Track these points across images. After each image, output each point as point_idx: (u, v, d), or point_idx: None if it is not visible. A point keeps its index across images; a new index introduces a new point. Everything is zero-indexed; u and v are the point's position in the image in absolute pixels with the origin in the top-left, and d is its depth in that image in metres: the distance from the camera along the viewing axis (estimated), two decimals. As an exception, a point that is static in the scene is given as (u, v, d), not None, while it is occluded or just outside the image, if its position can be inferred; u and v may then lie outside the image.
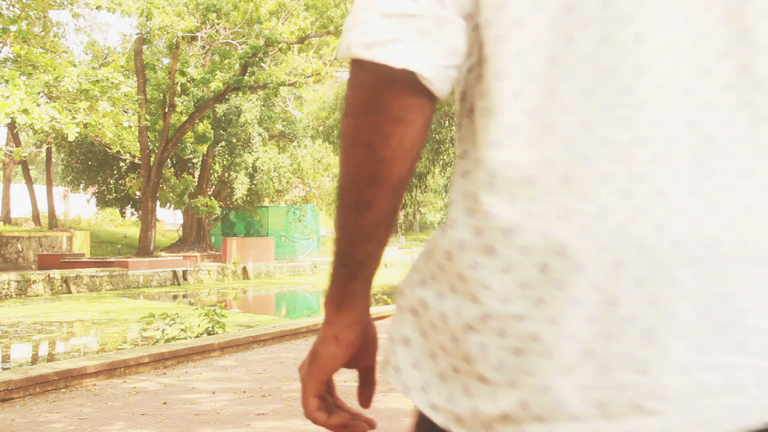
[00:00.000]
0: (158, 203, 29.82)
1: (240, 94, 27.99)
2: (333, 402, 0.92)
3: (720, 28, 0.73)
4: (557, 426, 0.71)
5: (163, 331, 8.62)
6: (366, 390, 0.95)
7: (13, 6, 18.82)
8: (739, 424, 0.70)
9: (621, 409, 0.70)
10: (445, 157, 20.26)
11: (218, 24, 26.57)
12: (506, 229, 0.73)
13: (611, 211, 0.71)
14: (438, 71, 0.74)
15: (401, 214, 50.10)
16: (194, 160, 32.42)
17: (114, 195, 33.91)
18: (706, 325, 0.70)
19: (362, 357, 0.91)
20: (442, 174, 23.48)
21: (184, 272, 25.27)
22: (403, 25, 0.73)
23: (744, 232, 0.71)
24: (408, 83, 0.74)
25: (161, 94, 28.23)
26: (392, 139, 0.75)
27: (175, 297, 20.54)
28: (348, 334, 0.87)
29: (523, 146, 0.74)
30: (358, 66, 0.75)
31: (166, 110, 27.99)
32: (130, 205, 34.86)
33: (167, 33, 24.95)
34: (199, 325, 8.95)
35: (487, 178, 0.75)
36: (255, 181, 31.84)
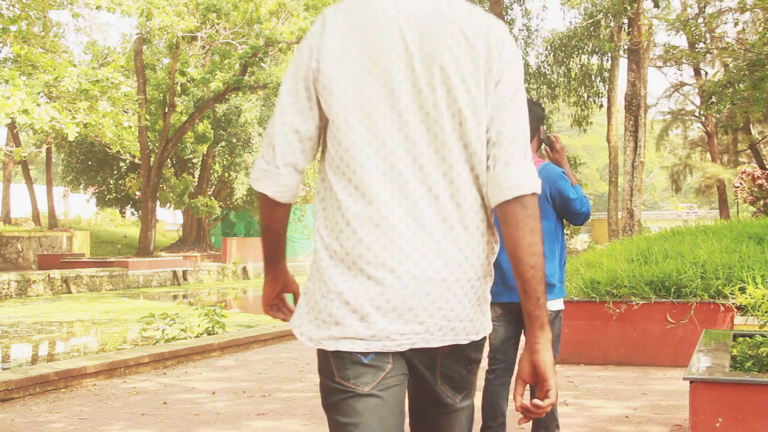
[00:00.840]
0: (158, 203, 29.80)
1: (240, 94, 27.97)
2: (285, 308, 1.98)
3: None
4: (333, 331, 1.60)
5: (163, 331, 8.62)
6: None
7: (13, 6, 18.82)
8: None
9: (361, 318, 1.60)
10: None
11: (218, 24, 26.56)
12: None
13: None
14: (275, 192, 1.71)
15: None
16: (194, 160, 32.42)
17: (114, 195, 33.90)
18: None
19: (287, 288, 1.98)
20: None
21: (184, 272, 25.27)
22: (261, 173, 1.72)
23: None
24: (264, 197, 1.74)
25: (161, 94, 28.22)
26: (264, 218, 1.82)
27: (175, 297, 20.54)
28: (267, 282, 1.95)
29: None
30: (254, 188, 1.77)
31: (166, 110, 27.98)
32: (130, 205, 34.85)
33: (167, 33, 24.94)
34: (199, 325, 8.95)
35: None
36: (255, 181, 31.82)
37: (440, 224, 1.58)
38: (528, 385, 1.65)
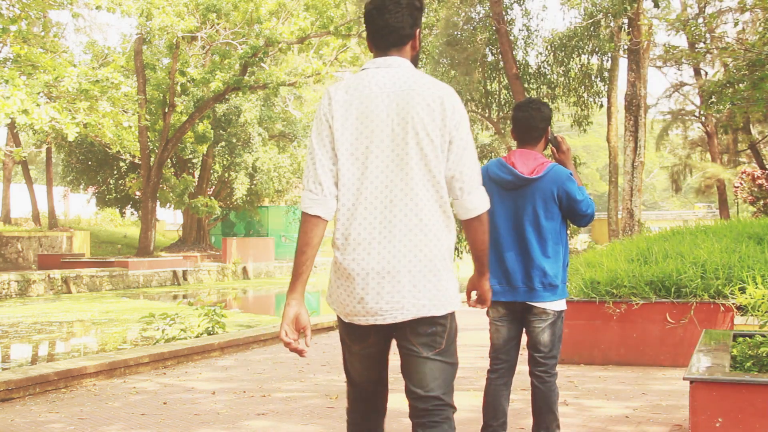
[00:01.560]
0: (158, 203, 29.80)
1: (240, 94, 27.96)
2: (295, 335, 2.41)
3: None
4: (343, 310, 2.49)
5: (163, 331, 8.62)
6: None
7: (13, 6, 18.82)
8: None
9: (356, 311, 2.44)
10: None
11: (218, 24, 26.55)
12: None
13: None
14: (325, 213, 2.42)
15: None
16: (194, 160, 32.40)
17: (114, 195, 33.89)
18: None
19: (302, 320, 2.43)
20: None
21: (184, 272, 25.27)
22: (312, 202, 2.43)
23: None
24: (317, 218, 2.43)
25: (161, 94, 28.21)
26: (308, 235, 2.46)
27: (175, 297, 20.54)
28: (292, 306, 2.43)
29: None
30: (303, 213, 2.44)
31: (166, 110, 27.97)
32: (130, 205, 34.83)
33: (167, 33, 24.93)
34: (199, 325, 8.95)
35: None
36: (255, 181, 31.83)
37: (404, 229, 2.41)
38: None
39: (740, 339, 4.39)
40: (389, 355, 2.62)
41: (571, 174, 3.62)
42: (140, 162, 28.44)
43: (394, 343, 2.54)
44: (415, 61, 2.59)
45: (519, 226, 3.58)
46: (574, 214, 3.63)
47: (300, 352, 2.41)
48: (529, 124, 3.68)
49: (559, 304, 3.61)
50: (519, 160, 3.62)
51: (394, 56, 2.52)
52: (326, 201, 2.43)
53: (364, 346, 2.53)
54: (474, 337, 8.79)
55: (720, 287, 6.33)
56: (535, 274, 3.53)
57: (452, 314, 2.47)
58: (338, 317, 2.55)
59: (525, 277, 3.55)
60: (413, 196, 2.39)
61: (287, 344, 2.41)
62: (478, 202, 2.47)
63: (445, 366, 2.46)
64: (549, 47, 18.69)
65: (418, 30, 2.55)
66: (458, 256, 22.34)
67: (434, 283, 2.39)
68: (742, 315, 6.12)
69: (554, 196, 3.57)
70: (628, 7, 15.76)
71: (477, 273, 2.74)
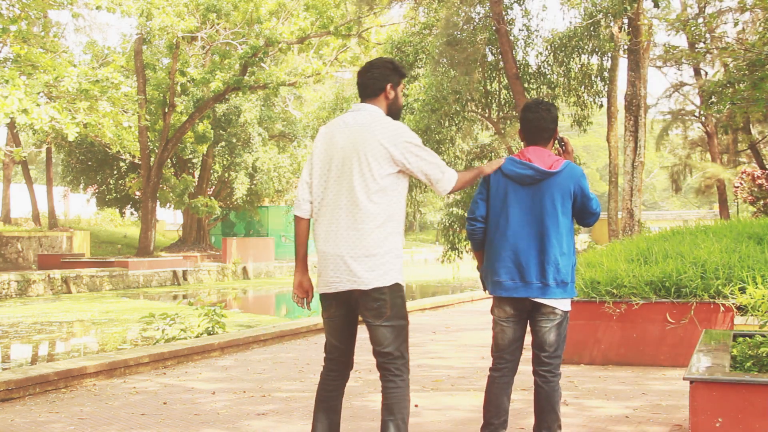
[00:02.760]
0: (158, 203, 29.79)
1: (240, 94, 27.95)
2: (303, 295, 3.54)
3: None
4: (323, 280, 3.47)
5: (163, 331, 8.63)
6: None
7: (13, 6, 18.82)
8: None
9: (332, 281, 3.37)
10: (445, 157, 20.21)
11: (218, 24, 26.54)
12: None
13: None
14: (301, 213, 3.50)
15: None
16: (194, 160, 32.39)
17: (114, 195, 33.88)
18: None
19: (306, 284, 3.55)
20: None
21: (184, 272, 25.27)
22: (294, 204, 3.54)
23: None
24: (297, 217, 3.52)
25: (161, 94, 28.20)
26: (298, 229, 3.53)
27: (175, 297, 20.54)
28: (297, 276, 3.54)
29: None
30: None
31: (166, 110, 27.96)
32: (130, 205, 34.83)
33: (167, 33, 24.92)
34: (199, 325, 8.95)
35: None
36: (255, 181, 31.82)
37: (344, 226, 3.34)
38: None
39: (740, 339, 4.39)
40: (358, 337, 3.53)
41: (583, 172, 3.68)
42: (140, 162, 28.44)
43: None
44: (392, 106, 3.51)
45: (536, 221, 3.60)
46: (585, 211, 3.67)
47: (308, 307, 3.56)
48: (540, 125, 3.71)
49: (567, 304, 3.63)
50: (534, 156, 3.66)
51: (366, 104, 3.48)
52: (301, 205, 3.46)
53: (330, 315, 3.43)
54: (474, 337, 8.79)
55: (720, 287, 6.33)
56: (549, 269, 3.55)
57: (393, 289, 3.30)
58: None
59: (540, 273, 3.57)
60: (353, 203, 3.31)
61: (299, 303, 3.48)
62: (446, 184, 3.41)
63: (393, 329, 3.32)
64: (549, 47, 18.66)
65: (389, 85, 3.47)
66: (458, 256, 22.35)
67: (364, 265, 3.26)
68: (742, 315, 6.12)
69: (570, 192, 3.62)
70: (628, 7, 15.75)
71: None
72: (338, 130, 3.41)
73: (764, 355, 3.85)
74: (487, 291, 3.76)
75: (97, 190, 34.14)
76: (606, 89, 18.57)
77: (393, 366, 3.32)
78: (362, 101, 3.52)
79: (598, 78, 18.72)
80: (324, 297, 3.42)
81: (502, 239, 3.62)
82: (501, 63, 18.07)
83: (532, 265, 3.56)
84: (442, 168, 3.40)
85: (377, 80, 3.47)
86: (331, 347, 3.50)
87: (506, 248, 3.59)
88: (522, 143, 3.84)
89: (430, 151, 3.43)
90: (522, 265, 3.56)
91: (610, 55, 17.97)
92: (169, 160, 30.00)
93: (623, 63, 19.45)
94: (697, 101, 29.87)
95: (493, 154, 21.08)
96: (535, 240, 3.59)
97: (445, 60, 18.25)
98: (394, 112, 3.51)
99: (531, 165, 3.61)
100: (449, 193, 3.50)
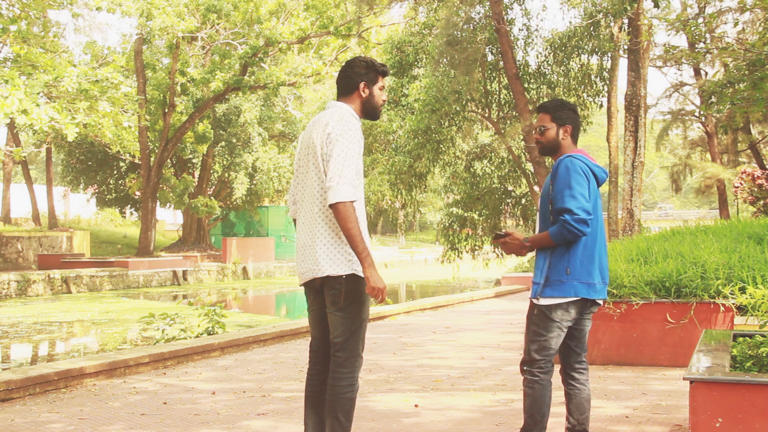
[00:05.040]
0: (158, 203, 29.79)
1: (240, 94, 27.95)
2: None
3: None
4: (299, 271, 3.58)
5: (163, 331, 8.63)
6: None
7: (13, 6, 18.81)
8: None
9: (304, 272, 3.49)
10: (445, 157, 20.22)
11: (218, 24, 26.55)
12: None
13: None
14: (291, 209, 3.70)
15: (401, 214, 50.26)
16: (194, 160, 32.39)
17: (114, 195, 33.89)
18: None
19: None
20: (442, 174, 23.42)
21: (184, 272, 25.27)
22: (289, 206, 3.75)
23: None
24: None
25: (161, 94, 28.20)
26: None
27: (175, 297, 20.53)
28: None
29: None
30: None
31: (166, 110, 27.96)
32: (130, 205, 34.83)
33: (167, 33, 24.92)
34: (199, 325, 8.95)
35: None
36: (255, 181, 31.82)
37: (304, 220, 3.50)
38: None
39: (740, 339, 4.40)
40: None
41: None
42: (140, 162, 28.44)
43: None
44: (367, 104, 3.53)
45: (601, 223, 3.67)
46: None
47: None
48: (580, 125, 3.79)
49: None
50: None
51: (338, 101, 3.55)
52: (290, 206, 3.68)
53: (309, 305, 3.56)
54: (474, 337, 8.79)
55: (720, 287, 6.32)
56: (607, 269, 3.67)
57: (348, 279, 3.33)
58: None
59: (607, 273, 3.67)
60: (310, 198, 3.45)
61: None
62: (331, 195, 3.24)
63: (344, 319, 3.37)
64: (549, 47, 18.66)
65: (363, 83, 3.50)
66: (458, 256, 22.35)
67: (316, 256, 3.37)
68: (742, 315, 6.12)
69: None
70: (628, 7, 15.76)
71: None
72: (309, 129, 3.51)
73: (764, 355, 3.85)
74: (553, 296, 3.52)
75: (97, 190, 34.15)
76: (606, 89, 18.56)
77: (340, 356, 3.36)
78: (337, 100, 3.58)
79: (598, 78, 18.71)
80: (305, 289, 3.56)
81: (593, 241, 3.56)
82: (501, 63, 18.07)
83: (606, 266, 3.62)
84: (345, 179, 3.24)
85: (350, 79, 3.52)
86: (312, 339, 3.61)
87: (596, 249, 3.57)
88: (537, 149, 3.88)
89: (352, 152, 3.31)
90: (604, 267, 3.61)
91: (610, 55, 17.97)
92: (169, 160, 30.00)
93: (623, 63, 19.49)
94: (697, 101, 29.88)
95: (492, 154, 21.08)
96: (605, 240, 3.66)
97: (445, 60, 18.24)
98: (369, 110, 3.54)
99: (602, 167, 3.68)
100: (336, 211, 3.24)
